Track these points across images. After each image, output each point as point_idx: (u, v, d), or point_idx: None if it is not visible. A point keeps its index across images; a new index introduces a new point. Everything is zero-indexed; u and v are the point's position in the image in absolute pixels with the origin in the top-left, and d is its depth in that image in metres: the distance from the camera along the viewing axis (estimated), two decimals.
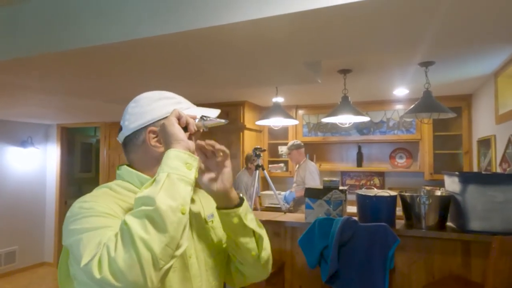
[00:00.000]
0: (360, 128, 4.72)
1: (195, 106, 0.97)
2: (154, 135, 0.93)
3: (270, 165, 5.14)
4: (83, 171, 6.34)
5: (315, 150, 5.14)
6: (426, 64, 2.71)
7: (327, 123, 4.81)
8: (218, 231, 1.04)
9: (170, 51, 1.89)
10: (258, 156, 3.08)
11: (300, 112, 4.99)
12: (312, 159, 5.09)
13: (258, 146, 3.17)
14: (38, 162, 5.33)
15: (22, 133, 5.10)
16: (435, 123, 4.30)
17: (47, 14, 1.83)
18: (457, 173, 2.28)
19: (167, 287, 0.85)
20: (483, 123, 3.66)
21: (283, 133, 5.07)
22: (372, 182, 4.91)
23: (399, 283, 2.55)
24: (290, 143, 4.20)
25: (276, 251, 2.88)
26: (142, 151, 0.94)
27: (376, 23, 1.54)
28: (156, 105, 0.94)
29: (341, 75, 2.98)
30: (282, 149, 5.03)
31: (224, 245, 1.05)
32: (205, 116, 0.92)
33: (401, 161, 4.73)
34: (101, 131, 5.32)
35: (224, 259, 1.06)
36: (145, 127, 0.93)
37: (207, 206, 1.07)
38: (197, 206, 1.05)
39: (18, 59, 1.90)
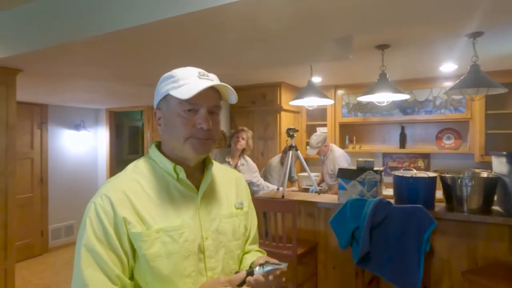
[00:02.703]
0: (403, 108, 4.48)
1: (194, 78, 0.92)
2: (157, 117, 0.98)
3: (308, 147, 5.07)
4: (131, 153, 6.73)
5: (355, 131, 4.98)
6: (474, 35, 2.47)
7: (368, 103, 4.63)
8: (244, 218, 1.05)
9: (195, 31, 1.91)
10: (292, 136, 3.05)
11: (339, 92, 4.84)
12: (352, 141, 4.95)
13: (292, 127, 3.13)
14: (90, 144, 5.73)
15: (75, 117, 5.49)
16: (488, 101, 3.96)
17: (75, 2, 1.93)
18: (504, 153, 2.10)
19: (180, 273, 0.88)
20: None
21: (321, 114, 4.96)
22: (416, 164, 4.68)
23: (438, 268, 2.45)
24: (314, 140, 3.89)
25: (310, 232, 2.88)
26: None
27: None
28: (159, 87, 0.96)
29: (379, 51, 2.83)
30: (318, 139, 4.91)
31: (247, 232, 1.07)
32: (264, 264, 0.89)
33: (448, 142, 4.44)
34: (145, 115, 5.57)
35: (244, 245, 1.08)
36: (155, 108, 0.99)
37: (240, 192, 1.09)
38: (231, 190, 1.07)
39: (54, 47, 2.04)
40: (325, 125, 4.91)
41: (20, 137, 4.68)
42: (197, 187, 0.96)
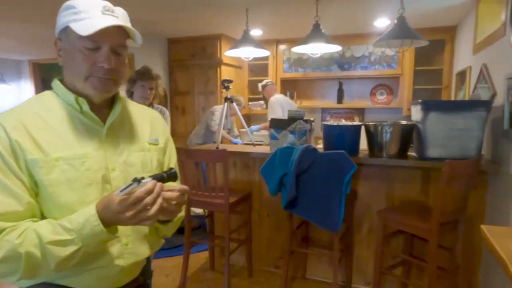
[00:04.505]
0: (341, 63, 4.59)
1: (98, 13, 0.88)
2: (58, 48, 0.94)
3: (250, 103, 5.07)
4: None
5: (296, 87, 5.04)
6: None
7: (308, 59, 4.67)
8: (157, 154, 1.07)
9: None
10: (227, 88, 2.99)
11: (281, 47, 4.81)
12: (293, 97, 5.02)
13: (227, 78, 3.07)
14: (13, 100, 5.21)
15: None
16: (417, 58, 4.18)
17: None
18: (419, 101, 2.24)
19: (81, 199, 0.88)
20: (463, 55, 3.55)
21: (264, 69, 4.92)
22: (352, 119, 4.89)
23: (360, 211, 2.64)
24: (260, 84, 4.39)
25: (245, 182, 2.94)
26: None
27: None
28: (59, 16, 0.91)
29: (313, 1, 2.80)
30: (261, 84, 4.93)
31: (163, 168, 1.09)
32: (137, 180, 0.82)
33: (381, 97, 4.67)
34: None
35: None
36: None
37: (156, 129, 1.10)
38: (145, 126, 1.07)
39: None
40: None
41: None
42: (105, 122, 0.96)
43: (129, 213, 0.79)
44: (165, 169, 1.09)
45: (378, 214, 2.25)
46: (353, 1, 2.97)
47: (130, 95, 2.51)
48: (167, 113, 2.69)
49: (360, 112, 4.84)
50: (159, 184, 0.82)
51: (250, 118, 5.25)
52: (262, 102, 4.98)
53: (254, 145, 3.09)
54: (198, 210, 4.00)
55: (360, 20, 3.69)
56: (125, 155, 0.98)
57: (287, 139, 2.56)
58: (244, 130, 4.81)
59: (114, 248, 0.93)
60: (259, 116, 5.09)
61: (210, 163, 2.47)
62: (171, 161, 1.14)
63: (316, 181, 2.24)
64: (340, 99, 4.79)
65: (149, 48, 4.32)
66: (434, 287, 2.01)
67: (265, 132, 4.40)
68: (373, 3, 3.06)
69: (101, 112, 0.96)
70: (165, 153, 1.12)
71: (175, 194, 0.85)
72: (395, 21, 2.59)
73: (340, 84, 4.78)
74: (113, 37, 0.89)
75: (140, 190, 0.79)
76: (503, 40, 2.18)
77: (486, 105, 2.12)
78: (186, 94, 4.69)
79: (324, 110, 5.02)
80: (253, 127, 4.35)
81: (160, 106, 2.66)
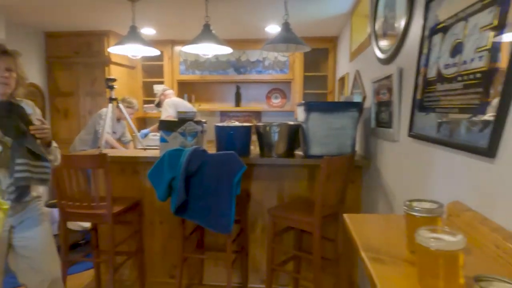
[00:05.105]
0: (237, 67, 4.66)
1: None
2: None
3: (144, 105, 4.79)
4: None
5: (194, 90, 4.95)
6: None
7: (205, 61, 4.63)
8: None
9: None
10: (111, 87, 2.75)
11: (177, 48, 4.67)
12: (190, 99, 4.91)
13: (111, 77, 2.82)
14: None
15: None
16: (306, 64, 4.48)
17: None
18: (302, 102, 2.37)
19: None
20: (342, 62, 3.92)
21: (159, 70, 4.71)
22: (250, 122, 5.01)
23: (253, 211, 2.68)
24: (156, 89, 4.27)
25: (136, 189, 2.73)
26: None
27: None
28: None
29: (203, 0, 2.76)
30: (158, 89, 4.71)
31: None
32: None
33: (276, 101, 4.88)
34: None
35: None
36: None
37: None
38: None
39: None
40: (162, 82, 4.70)
41: None
42: None
43: None
44: None
45: (268, 212, 2.30)
46: (242, 2, 3.02)
47: None
48: (37, 109, 1.85)
49: (257, 115, 4.99)
50: None
51: (145, 122, 4.97)
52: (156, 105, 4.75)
53: (145, 149, 2.90)
54: (86, 224, 3.59)
55: (253, 25, 3.79)
56: None
57: (178, 141, 2.45)
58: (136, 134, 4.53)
59: None
60: (156, 119, 4.84)
61: (91, 170, 2.22)
62: None
63: (206, 183, 2.18)
64: (237, 102, 4.86)
65: (20, 41, 3.74)
66: (319, 277, 2.13)
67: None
68: (261, 8, 3.16)
69: None
70: None
71: None
72: (281, 27, 2.71)
73: (238, 88, 4.86)
74: None
75: None
76: (369, 49, 2.45)
77: (357, 106, 2.35)
78: (69, 95, 4.20)
79: (222, 113, 5.03)
80: (144, 130, 4.10)
81: (25, 100, 1.83)
